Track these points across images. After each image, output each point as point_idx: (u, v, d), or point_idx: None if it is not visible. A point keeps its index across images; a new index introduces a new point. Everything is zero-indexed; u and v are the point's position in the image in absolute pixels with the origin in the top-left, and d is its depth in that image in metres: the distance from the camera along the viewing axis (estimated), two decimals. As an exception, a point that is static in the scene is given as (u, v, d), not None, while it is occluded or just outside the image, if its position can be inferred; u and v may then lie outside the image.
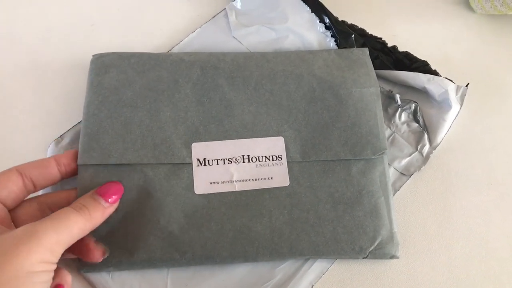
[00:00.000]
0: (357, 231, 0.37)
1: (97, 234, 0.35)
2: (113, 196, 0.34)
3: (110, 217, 0.35)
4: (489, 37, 0.49)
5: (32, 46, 0.46)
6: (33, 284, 0.27)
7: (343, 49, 0.43)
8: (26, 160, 0.39)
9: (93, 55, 0.41)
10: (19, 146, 0.41)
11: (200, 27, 0.46)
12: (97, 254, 0.34)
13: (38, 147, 0.40)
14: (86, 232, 0.31)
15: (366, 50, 0.43)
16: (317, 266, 0.37)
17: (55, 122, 0.42)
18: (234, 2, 0.47)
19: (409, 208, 0.40)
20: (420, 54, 0.45)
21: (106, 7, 0.48)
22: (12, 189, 0.33)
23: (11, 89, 0.43)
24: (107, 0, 0.48)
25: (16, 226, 0.33)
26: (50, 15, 0.47)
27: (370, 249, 0.37)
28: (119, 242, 0.35)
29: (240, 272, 0.37)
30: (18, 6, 0.48)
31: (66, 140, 0.40)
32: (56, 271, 0.30)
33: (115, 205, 0.34)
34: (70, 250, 0.34)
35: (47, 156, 0.40)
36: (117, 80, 0.40)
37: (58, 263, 0.30)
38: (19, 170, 0.34)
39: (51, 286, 0.30)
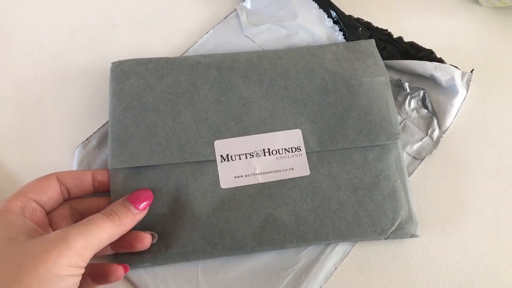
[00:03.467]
0: (377, 214, 0.39)
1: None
2: (143, 203, 0.36)
3: (146, 216, 0.37)
4: (495, 29, 0.50)
5: (56, 48, 0.47)
6: (64, 284, 0.29)
7: (351, 42, 0.45)
8: (54, 163, 0.41)
9: (112, 63, 0.43)
10: (47, 149, 0.43)
11: (213, 28, 0.48)
12: (148, 239, 0.36)
13: (65, 150, 0.42)
14: (116, 237, 0.33)
15: (372, 42, 0.45)
16: (339, 249, 0.39)
17: (81, 124, 0.44)
18: (244, 3, 0.48)
19: (422, 192, 0.42)
20: (426, 45, 0.47)
21: (127, 7, 0.50)
22: (52, 195, 0.35)
23: (37, 92, 0.45)
24: (128, 2, 0.50)
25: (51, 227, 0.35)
26: (73, 16, 0.49)
27: (391, 230, 0.39)
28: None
29: (266, 258, 0.39)
30: (41, 8, 0.49)
31: (93, 142, 0.42)
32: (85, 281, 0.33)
33: (145, 212, 0.36)
34: (114, 247, 0.36)
35: (75, 159, 0.41)
36: (138, 86, 0.41)
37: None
38: (58, 177, 0.36)
39: None
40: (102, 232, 0.32)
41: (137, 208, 0.35)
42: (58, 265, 0.28)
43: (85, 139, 0.42)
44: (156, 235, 0.37)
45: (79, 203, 0.37)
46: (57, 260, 0.28)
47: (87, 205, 0.37)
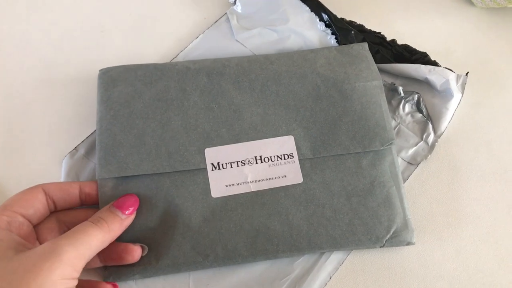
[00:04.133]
0: (372, 221, 0.38)
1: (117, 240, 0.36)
2: (130, 208, 0.35)
3: (133, 226, 0.36)
4: (490, 30, 0.49)
5: (44, 54, 0.46)
6: None
7: (344, 46, 0.44)
8: (42, 173, 0.40)
9: (100, 70, 0.42)
10: (34, 158, 0.42)
11: (203, 33, 0.47)
12: (137, 252, 0.35)
13: (53, 159, 0.41)
14: (106, 244, 0.32)
15: (365, 45, 0.44)
16: (334, 258, 0.39)
17: (69, 132, 0.43)
18: (234, 6, 0.48)
19: (417, 198, 0.41)
20: (421, 48, 0.46)
21: (115, 13, 0.49)
22: (38, 208, 0.34)
23: (23, 99, 0.44)
24: (116, 7, 0.49)
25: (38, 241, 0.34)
26: (60, 21, 0.48)
27: (386, 238, 0.38)
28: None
29: (259, 268, 0.38)
30: (29, 13, 0.48)
31: (81, 151, 0.41)
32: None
33: (132, 217, 0.35)
34: (103, 259, 0.35)
35: (63, 168, 0.40)
36: (126, 93, 0.40)
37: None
38: (45, 189, 0.35)
39: None
40: (92, 240, 0.31)
41: (124, 213, 0.34)
42: (51, 279, 0.28)
43: (73, 148, 0.41)
44: (146, 247, 0.36)
45: (66, 215, 0.36)
46: (49, 274, 0.28)
47: (74, 217, 0.36)
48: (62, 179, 0.40)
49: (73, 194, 0.36)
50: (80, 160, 0.41)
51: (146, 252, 0.36)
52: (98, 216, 0.33)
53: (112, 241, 0.33)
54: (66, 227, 0.36)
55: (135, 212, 0.36)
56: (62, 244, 0.29)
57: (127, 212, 0.35)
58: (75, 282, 0.30)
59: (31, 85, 0.45)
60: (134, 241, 0.36)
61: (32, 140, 0.43)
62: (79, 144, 0.41)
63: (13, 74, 0.45)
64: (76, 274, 0.30)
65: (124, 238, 0.36)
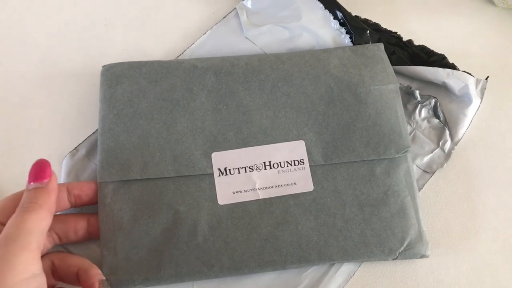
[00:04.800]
0: (385, 233, 0.36)
1: (122, 251, 0.35)
2: (43, 174, 0.32)
3: (135, 234, 0.35)
4: (510, 31, 0.47)
5: (44, 48, 0.45)
6: None
7: (358, 46, 0.42)
8: None
9: (103, 66, 0.40)
10: (33, 158, 0.39)
11: (211, 29, 0.45)
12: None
13: (53, 159, 0.38)
14: (48, 218, 0.31)
15: (381, 46, 0.42)
16: (344, 270, 0.37)
17: (70, 131, 0.41)
18: (244, 1, 0.45)
19: (432, 208, 0.40)
20: (438, 48, 0.44)
21: (120, 6, 0.47)
22: None
23: (23, 95, 0.42)
24: (120, 0, 0.47)
25: None
26: (62, 14, 0.46)
27: (400, 250, 0.36)
28: (145, 259, 0.35)
29: (266, 279, 0.37)
30: (29, 4, 0.46)
31: (81, 151, 0.39)
32: None
33: (54, 179, 0.32)
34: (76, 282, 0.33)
35: (63, 169, 0.39)
36: (130, 91, 0.39)
37: None
38: None
39: None
40: (31, 228, 0.29)
41: (43, 182, 0.31)
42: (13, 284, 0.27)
43: (73, 148, 0.39)
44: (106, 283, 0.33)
45: (55, 221, 0.34)
46: (5, 280, 0.27)
47: (64, 225, 0.35)
48: (61, 180, 0.38)
49: (61, 197, 0.34)
50: (80, 160, 0.39)
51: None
52: (21, 203, 0.31)
53: (54, 213, 0.32)
54: (56, 235, 0.35)
55: (53, 173, 0.32)
56: (8, 248, 0.28)
57: (45, 180, 0.32)
58: (38, 268, 0.29)
59: (31, 81, 0.43)
60: (135, 247, 0.35)
61: (31, 139, 0.41)
62: (80, 144, 0.40)
63: (12, 69, 0.44)
64: (33, 265, 0.28)
65: (124, 244, 0.34)
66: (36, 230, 0.29)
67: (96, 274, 0.33)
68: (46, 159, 0.33)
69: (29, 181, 0.32)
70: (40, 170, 0.32)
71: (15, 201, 0.32)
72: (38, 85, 0.43)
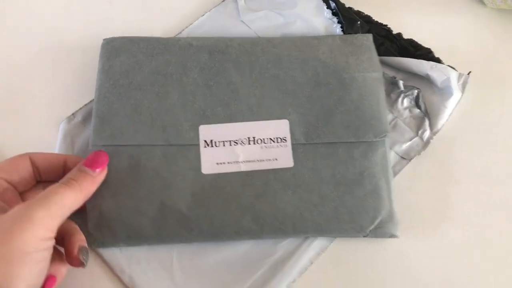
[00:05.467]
0: (357, 211, 0.38)
1: (106, 209, 0.37)
2: (100, 165, 0.35)
3: (121, 195, 0.37)
4: (498, 31, 0.49)
5: (50, 22, 0.47)
6: (30, 262, 0.28)
7: (348, 35, 0.44)
8: (39, 136, 0.41)
9: (104, 39, 0.42)
10: (34, 122, 0.43)
11: (209, 11, 0.47)
12: (75, 262, 0.33)
13: (51, 124, 0.42)
14: (80, 202, 0.33)
15: (370, 36, 0.44)
16: (317, 244, 0.39)
17: (69, 99, 0.43)
18: (243, -13, 0.47)
19: (407, 192, 0.41)
20: (427, 43, 0.46)
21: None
22: (24, 175, 0.35)
23: (27, 65, 0.45)
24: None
25: None
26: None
27: (370, 228, 0.38)
28: (128, 219, 0.37)
29: (243, 247, 0.39)
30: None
31: (78, 118, 0.42)
32: (52, 262, 0.31)
33: (104, 172, 0.36)
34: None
35: (59, 133, 0.41)
36: (127, 64, 0.41)
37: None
38: (31, 158, 0.35)
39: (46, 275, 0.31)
40: (63, 199, 0.31)
41: (95, 171, 0.35)
42: (23, 241, 0.28)
43: (71, 114, 0.42)
44: (86, 263, 0.33)
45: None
46: (21, 236, 0.28)
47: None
48: (57, 144, 0.41)
49: (58, 166, 0.36)
50: (76, 126, 0.42)
51: (83, 267, 0.33)
52: (68, 177, 0.33)
53: (86, 199, 0.34)
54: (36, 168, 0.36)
55: (106, 168, 0.36)
56: (33, 205, 0.30)
57: (97, 170, 0.35)
58: (51, 242, 0.30)
59: (36, 51, 0.46)
60: (120, 207, 0.37)
61: (32, 103, 0.43)
62: (77, 111, 0.42)
63: (19, 39, 0.46)
64: (51, 233, 0.30)
65: (110, 204, 0.37)
66: (67, 207, 0.32)
67: (79, 240, 0.34)
68: (106, 153, 0.37)
69: (85, 164, 0.35)
70: (98, 160, 0.35)
71: (19, 162, 0.34)
72: (43, 57, 0.46)
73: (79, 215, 0.36)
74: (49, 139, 0.41)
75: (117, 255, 0.38)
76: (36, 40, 0.46)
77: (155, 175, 0.38)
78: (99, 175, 0.35)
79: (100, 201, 0.37)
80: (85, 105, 0.42)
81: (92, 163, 0.35)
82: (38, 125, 0.42)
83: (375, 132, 0.40)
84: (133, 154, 0.38)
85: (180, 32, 0.46)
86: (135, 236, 0.37)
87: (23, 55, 0.45)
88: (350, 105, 0.40)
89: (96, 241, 0.37)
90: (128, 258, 0.38)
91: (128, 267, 0.37)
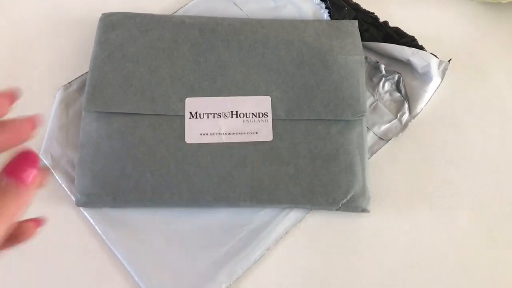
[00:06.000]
0: (331, 185, 0.40)
1: (95, 173, 0.39)
2: (30, 173, 0.22)
3: (109, 159, 0.39)
4: (483, 24, 0.50)
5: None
6: None
7: (334, 21, 0.46)
8: (36, 101, 0.43)
9: (102, 14, 0.45)
10: (33, 88, 0.45)
11: (204, -8, 0.49)
12: (34, 225, 0.25)
13: (49, 91, 0.44)
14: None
15: (355, 23, 0.46)
16: (293, 215, 0.41)
17: (67, 69, 0.45)
18: (236, -30, 0.50)
19: (382, 172, 0.43)
20: (412, 32, 0.47)
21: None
22: None
23: (31, 34, 0.48)
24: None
25: None
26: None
27: (343, 202, 0.40)
28: (115, 182, 0.39)
29: (222, 215, 0.41)
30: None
31: (73, 86, 0.44)
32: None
33: (34, 188, 0.22)
34: None
35: (56, 99, 0.43)
36: (122, 37, 0.43)
37: None
38: None
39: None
40: None
41: (22, 180, 0.22)
42: None
43: (67, 82, 0.44)
44: (43, 219, 0.26)
45: None
46: None
47: None
48: (53, 109, 0.43)
49: None
50: (72, 93, 0.44)
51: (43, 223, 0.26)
52: None
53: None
54: None
55: (41, 180, 0.23)
56: None
57: (26, 178, 0.22)
58: None
59: (39, 23, 0.48)
60: (104, 169, 0.39)
61: (32, 71, 0.46)
62: (73, 80, 0.44)
63: (24, 11, 0.49)
64: None
65: (96, 164, 0.39)
66: None
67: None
68: (35, 152, 0.23)
69: (6, 171, 0.22)
70: (23, 163, 0.22)
71: None
72: (44, 27, 0.48)
73: (69, 177, 0.39)
74: (45, 104, 0.44)
75: (100, 215, 0.40)
76: (40, 13, 0.49)
77: (141, 142, 0.40)
78: (27, 191, 0.22)
79: (89, 164, 0.39)
80: (82, 75, 0.45)
81: (14, 170, 0.22)
82: (36, 91, 0.45)
83: (353, 111, 0.41)
84: (122, 121, 0.41)
85: (175, 12, 0.48)
86: (119, 199, 0.39)
87: (27, 26, 0.48)
88: (331, 85, 0.42)
89: (82, 202, 0.39)
90: (111, 220, 0.40)
91: (110, 228, 0.40)
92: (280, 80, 0.43)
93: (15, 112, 0.40)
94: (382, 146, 0.44)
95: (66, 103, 0.44)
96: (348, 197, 0.40)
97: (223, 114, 0.42)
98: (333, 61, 0.43)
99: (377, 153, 0.43)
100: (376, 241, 0.41)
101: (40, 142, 0.42)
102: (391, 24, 0.48)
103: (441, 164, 0.44)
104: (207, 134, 0.41)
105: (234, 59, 0.43)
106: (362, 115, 0.41)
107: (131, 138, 0.40)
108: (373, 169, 0.42)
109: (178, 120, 0.41)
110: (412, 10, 0.51)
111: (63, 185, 0.41)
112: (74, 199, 0.40)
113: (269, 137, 0.41)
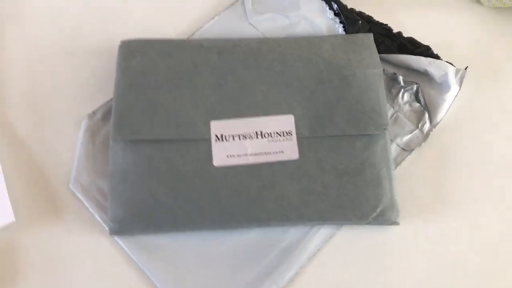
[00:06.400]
0: (359, 199, 0.40)
1: (126, 202, 0.40)
2: None
3: (139, 187, 0.40)
4: (494, 29, 0.51)
5: (73, 27, 0.50)
6: None
7: (349, 35, 0.47)
8: (62, 131, 0.44)
9: (121, 41, 0.45)
10: (57, 118, 0.46)
11: (219, 14, 0.50)
12: None
13: (73, 121, 0.45)
14: None
15: (370, 36, 0.46)
16: (323, 232, 0.41)
17: (89, 98, 0.46)
18: (250, -9, 0.50)
19: (408, 182, 0.44)
20: (425, 42, 0.48)
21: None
22: None
23: (50, 65, 0.48)
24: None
25: None
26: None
27: (372, 216, 0.40)
28: (145, 208, 0.40)
29: (253, 235, 0.41)
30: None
31: (98, 115, 0.45)
32: None
33: None
34: None
35: (82, 128, 0.44)
36: (143, 64, 0.44)
37: None
38: None
39: None
40: None
41: None
42: None
43: (91, 111, 0.45)
44: None
45: None
46: None
47: None
48: (79, 138, 0.44)
49: None
50: (97, 122, 0.45)
51: None
52: None
53: None
54: None
55: None
56: None
57: None
58: None
59: (60, 53, 0.49)
60: (135, 195, 0.40)
61: (54, 102, 0.46)
62: (97, 109, 0.45)
63: (42, 43, 0.49)
64: None
65: (129, 197, 0.40)
66: None
67: None
68: None
69: None
70: None
71: None
72: (64, 59, 0.48)
73: (100, 206, 0.39)
74: (70, 134, 0.45)
75: (134, 243, 0.41)
76: (58, 44, 0.49)
77: (170, 168, 0.41)
78: None
79: (120, 194, 0.40)
80: (105, 103, 0.45)
81: None
82: (60, 122, 0.45)
83: (376, 125, 0.42)
84: (150, 149, 0.41)
85: (192, 34, 0.49)
86: (152, 225, 0.40)
87: (47, 57, 0.48)
88: (352, 100, 0.43)
89: (116, 230, 0.40)
90: (144, 246, 0.41)
91: (144, 254, 0.40)
92: (300, 98, 0.43)
93: (44, 143, 0.41)
94: (406, 157, 0.44)
95: (92, 132, 0.44)
96: (378, 210, 0.40)
97: (248, 135, 0.42)
98: (352, 76, 0.43)
99: (401, 164, 0.44)
100: (406, 251, 0.41)
101: (69, 173, 0.42)
102: (404, 35, 0.48)
103: (464, 170, 0.44)
104: (234, 156, 0.41)
105: (254, 79, 0.44)
106: (385, 128, 0.42)
107: (159, 165, 0.41)
108: (398, 180, 0.43)
109: (204, 143, 0.42)
110: (423, 18, 0.51)
111: (95, 215, 0.41)
112: (107, 228, 0.40)
113: (295, 156, 0.41)
